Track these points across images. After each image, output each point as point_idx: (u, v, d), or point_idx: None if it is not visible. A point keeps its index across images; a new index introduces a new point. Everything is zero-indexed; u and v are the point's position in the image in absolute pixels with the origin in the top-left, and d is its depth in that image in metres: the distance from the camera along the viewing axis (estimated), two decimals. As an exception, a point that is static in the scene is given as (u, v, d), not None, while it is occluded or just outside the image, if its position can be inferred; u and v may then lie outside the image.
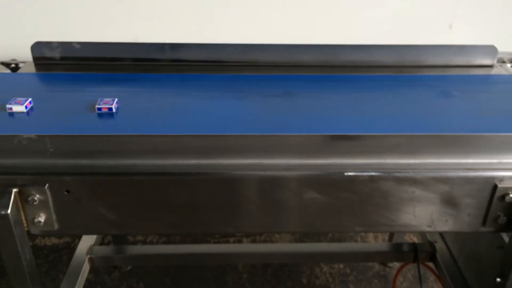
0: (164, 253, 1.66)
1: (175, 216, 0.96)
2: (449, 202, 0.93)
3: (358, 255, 1.68)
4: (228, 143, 0.92)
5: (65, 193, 0.89)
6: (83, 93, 1.13)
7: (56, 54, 1.32)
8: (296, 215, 0.97)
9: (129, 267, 1.87)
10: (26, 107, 1.02)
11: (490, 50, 1.34)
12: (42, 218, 0.91)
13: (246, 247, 1.91)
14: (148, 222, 0.97)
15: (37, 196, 0.88)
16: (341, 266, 1.90)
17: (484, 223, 0.95)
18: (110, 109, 1.02)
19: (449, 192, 0.92)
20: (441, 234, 1.56)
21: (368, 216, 0.95)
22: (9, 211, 0.86)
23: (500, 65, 1.38)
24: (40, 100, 1.06)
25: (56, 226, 0.93)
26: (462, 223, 0.96)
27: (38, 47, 1.31)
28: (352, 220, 0.96)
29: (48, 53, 1.32)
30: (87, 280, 1.67)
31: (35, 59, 1.33)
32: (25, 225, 0.92)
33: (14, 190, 0.87)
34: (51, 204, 0.90)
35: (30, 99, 1.03)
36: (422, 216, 0.95)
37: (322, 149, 0.92)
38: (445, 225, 0.97)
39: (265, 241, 2.04)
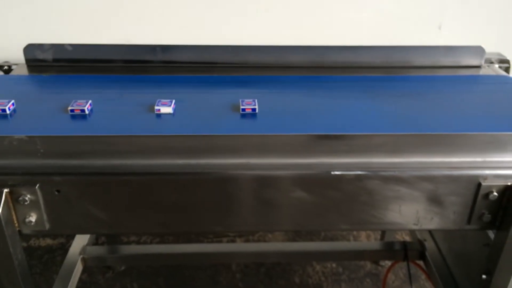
0: (158, 253, 1.66)
1: (165, 215, 0.97)
2: (435, 200, 0.95)
3: (350, 254, 1.69)
4: (217, 143, 0.93)
5: (56, 193, 0.90)
6: (220, 95, 1.14)
7: (49, 56, 1.33)
8: (284, 214, 0.98)
9: (122, 267, 1.88)
10: (173, 109, 1.03)
11: (478, 50, 1.36)
12: (33, 218, 0.92)
13: (239, 246, 1.92)
14: (139, 222, 0.98)
15: (28, 196, 0.89)
16: (334, 265, 1.92)
17: (469, 221, 0.97)
18: (254, 109, 1.03)
19: (434, 190, 0.94)
20: (431, 232, 1.58)
21: (354, 214, 0.96)
22: (0, 211, 0.87)
23: (488, 66, 1.40)
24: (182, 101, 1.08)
25: (47, 226, 0.94)
26: (448, 221, 0.98)
27: (30, 49, 1.32)
28: (339, 218, 0.97)
29: (41, 55, 1.33)
30: (81, 280, 1.68)
31: (28, 61, 1.34)
32: (16, 225, 0.93)
33: (5, 190, 0.88)
34: (42, 204, 0.91)
35: (173, 100, 1.05)
36: (408, 214, 0.97)
37: (309, 148, 0.94)
38: (431, 223, 0.98)
39: (258, 241, 2.06)
